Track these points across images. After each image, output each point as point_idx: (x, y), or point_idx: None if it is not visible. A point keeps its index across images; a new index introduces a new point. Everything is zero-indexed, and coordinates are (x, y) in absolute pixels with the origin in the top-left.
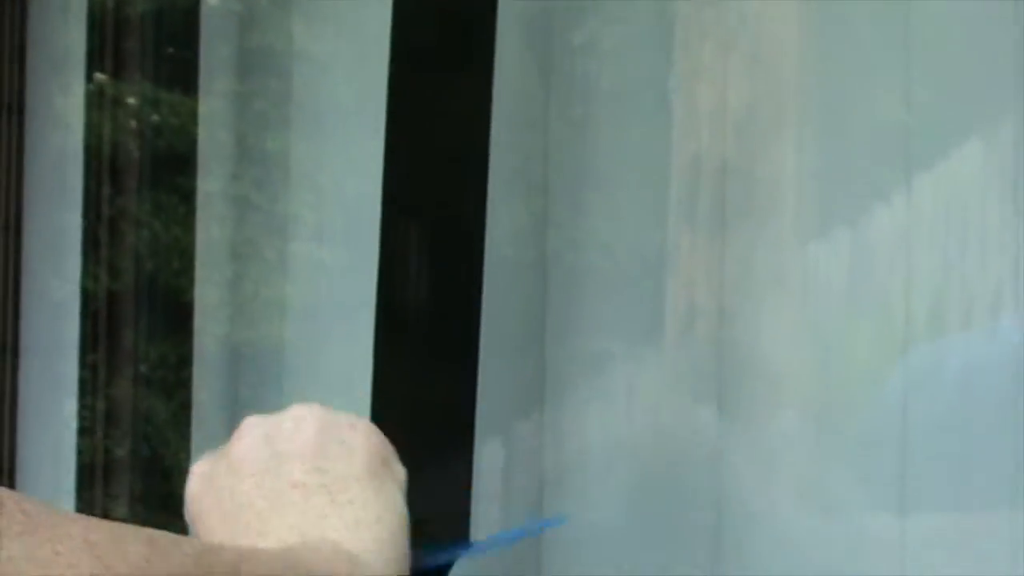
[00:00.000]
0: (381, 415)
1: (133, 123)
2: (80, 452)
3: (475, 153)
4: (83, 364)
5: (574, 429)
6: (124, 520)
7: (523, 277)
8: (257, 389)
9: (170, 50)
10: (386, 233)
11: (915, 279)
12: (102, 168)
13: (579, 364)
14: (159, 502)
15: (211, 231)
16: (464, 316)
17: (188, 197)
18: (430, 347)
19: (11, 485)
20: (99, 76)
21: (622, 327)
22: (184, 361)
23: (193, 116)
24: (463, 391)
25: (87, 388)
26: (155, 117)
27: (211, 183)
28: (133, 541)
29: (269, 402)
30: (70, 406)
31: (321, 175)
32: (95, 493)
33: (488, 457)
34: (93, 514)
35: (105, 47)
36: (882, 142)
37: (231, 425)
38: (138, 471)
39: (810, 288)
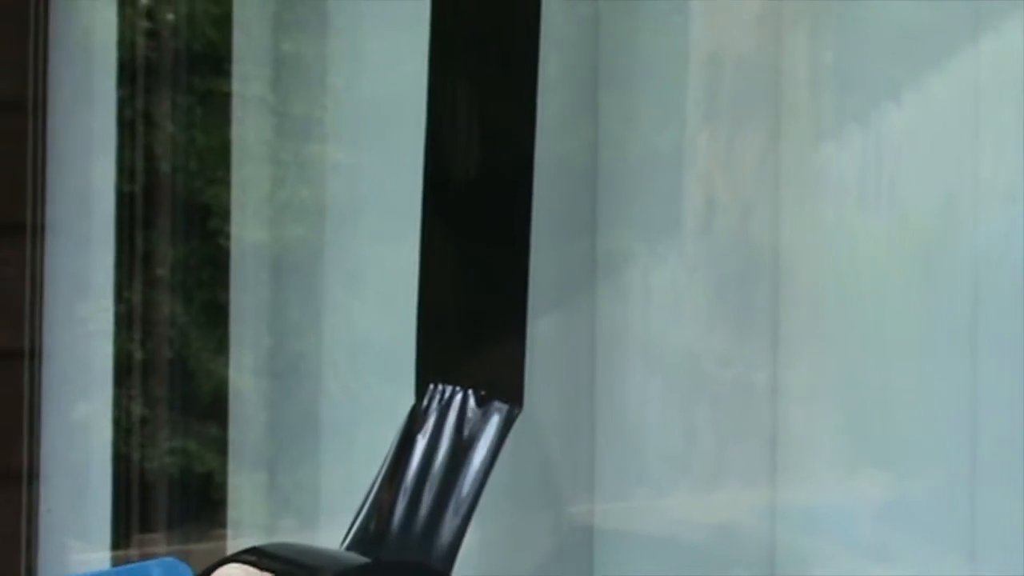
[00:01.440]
0: (429, 303)
1: (148, 24)
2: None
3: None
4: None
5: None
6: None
7: (543, 177)
8: (279, 289)
9: None
10: (434, 113)
11: (931, 177)
12: (125, 68)
13: (597, 263)
14: (183, 402)
15: (226, 133)
16: (517, 202)
17: (205, 98)
18: (480, 232)
19: (39, 381)
20: None
21: (642, 225)
22: (205, 262)
23: (209, 17)
24: (515, 281)
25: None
26: (171, 17)
27: (226, 84)
28: None
29: (291, 300)
30: (90, 306)
31: (334, 76)
32: (127, 392)
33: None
34: (125, 411)
35: None
36: (897, 40)
37: (252, 322)
38: (163, 371)
39: (828, 185)
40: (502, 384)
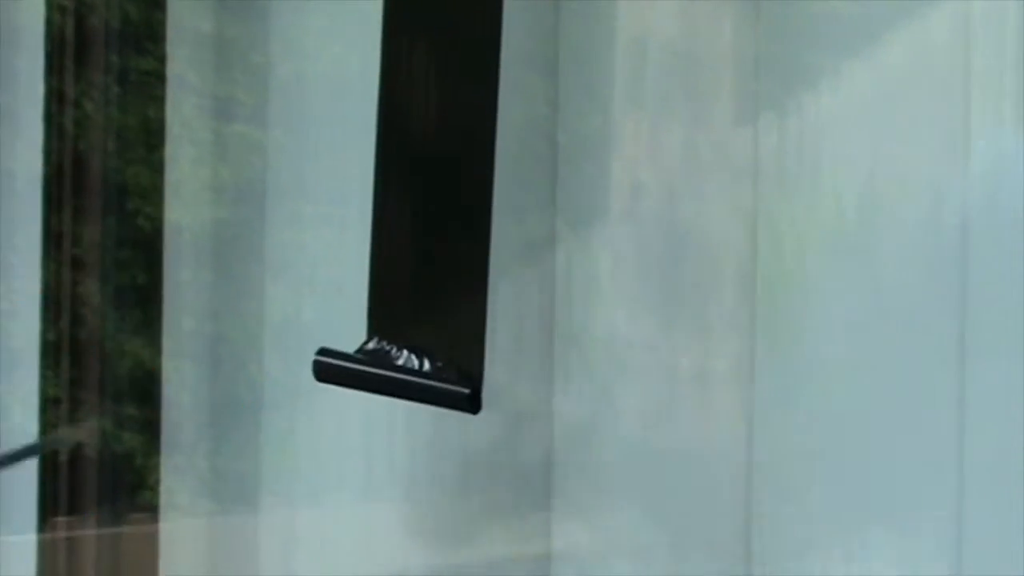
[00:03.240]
0: (382, 268)
1: (65, 1)
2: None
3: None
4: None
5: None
6: (62, 399)
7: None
8: (194, 270)
9: None
10: (389, 73)
11: (851, 162)
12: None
13: (522, 249)
14: (96, 385)
15: (147, 112)
16: (477, 166)
17: (122, 77)
18: (439, 196)
19: None
20: None
21: (566, 209)
22: (120, 243)
23: None
24: (475, 249)
25: (14, 271)
26: None
27: (145, 63)
28: None
29: (206, 282)
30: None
31: (256, 55)
32: (29, 373)
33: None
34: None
35: None
36: (818, 29)
37: (166, 305)
38: (73, 353)
39: (751, 170)
40: (461, 354)
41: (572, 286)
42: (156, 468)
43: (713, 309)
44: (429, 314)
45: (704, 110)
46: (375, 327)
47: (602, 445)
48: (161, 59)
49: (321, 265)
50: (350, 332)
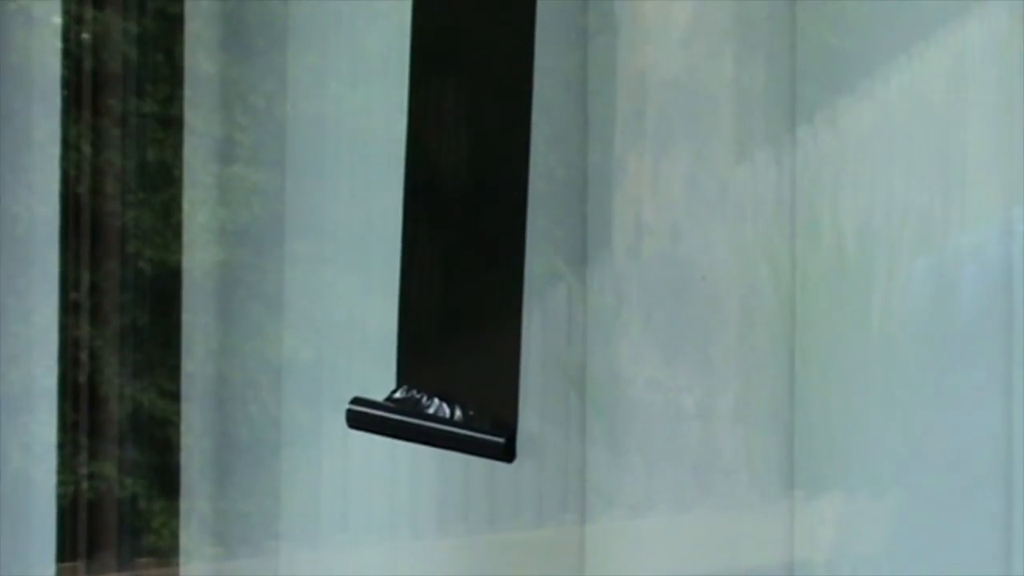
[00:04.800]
0: (410, 314)
1: (59, 43)
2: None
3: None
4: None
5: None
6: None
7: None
8: (195, 313)
9: None
10: (416, 113)
11: (851, 200)
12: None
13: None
14: (95, 430)
15: (146, 154)
16: (510, 206)
17: (122, 119)
18: (470, 240)
19: None
20: None
21: (567, 247)
22: (119, 286)
23: (125, 36)
24: (509, 292)
25: (14, 315)
26: (85, 36)
27: (144, 105)
28: None
29: (208, 326)
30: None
31: (255, 97)
32: (29, 419)
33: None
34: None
35: None
36: (815, 64)
37: (167, 348)
38: (71, 398)
39: (753, 206)
40: (493, 401)
41: (574, 324)
42: (174, 512)
43: (716, 346)
44: (459, 361)
45: (706, 146)
46: (404, 375)
47: (624, 479)
48: (175, 102)
49: (333, 307)
50: (364, 374)
